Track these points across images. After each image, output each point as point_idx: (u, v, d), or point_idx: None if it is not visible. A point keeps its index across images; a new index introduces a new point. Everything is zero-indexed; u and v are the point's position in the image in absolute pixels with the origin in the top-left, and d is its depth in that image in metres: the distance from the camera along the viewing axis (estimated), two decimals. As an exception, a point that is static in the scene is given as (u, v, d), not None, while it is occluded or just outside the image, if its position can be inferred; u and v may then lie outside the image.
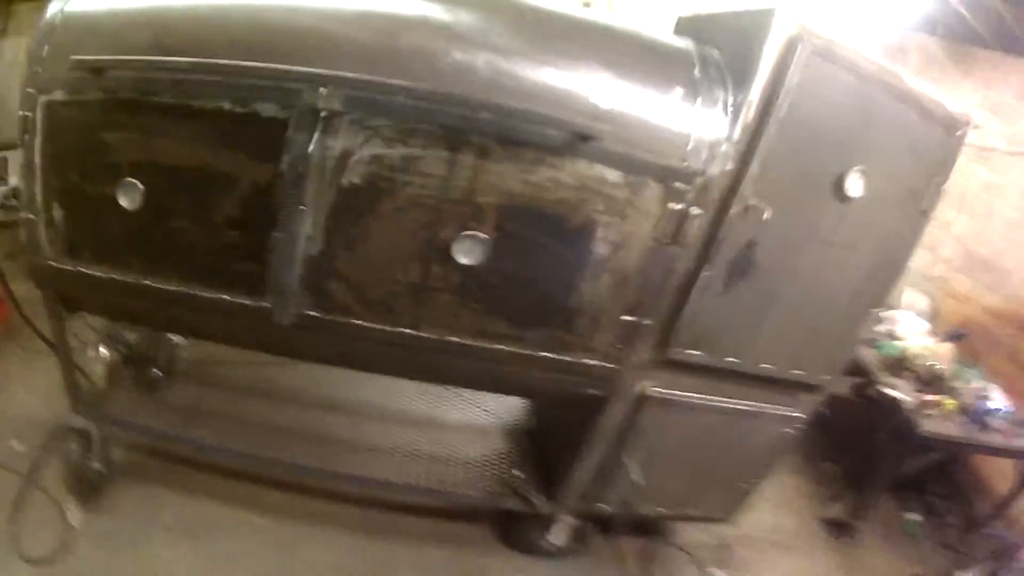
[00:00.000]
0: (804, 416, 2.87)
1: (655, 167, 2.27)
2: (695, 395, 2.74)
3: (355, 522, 3.28)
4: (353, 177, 2.26)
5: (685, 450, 2.91)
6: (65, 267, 2.58)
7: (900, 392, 3.90)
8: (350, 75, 2.19)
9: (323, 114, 2.20)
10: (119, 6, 2.45)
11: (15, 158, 5.27)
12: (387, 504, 3.34)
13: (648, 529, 3.50)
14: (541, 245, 2.32)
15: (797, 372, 2.71)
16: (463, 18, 2.32)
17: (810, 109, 2.28)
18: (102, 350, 3.10)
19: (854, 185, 2.39)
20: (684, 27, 2.92)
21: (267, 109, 2.25)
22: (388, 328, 2.43)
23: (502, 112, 2.18)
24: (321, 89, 2.18)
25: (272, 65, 2.22)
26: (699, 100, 2.35)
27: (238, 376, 3.73)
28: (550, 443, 3.39)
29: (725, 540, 3.64)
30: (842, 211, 2.45)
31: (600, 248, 2.33)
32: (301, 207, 2.27)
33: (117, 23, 2.42)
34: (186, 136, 2.35)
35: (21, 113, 2.47)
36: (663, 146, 2.26)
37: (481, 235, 2.25)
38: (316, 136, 2.21)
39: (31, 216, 2.55)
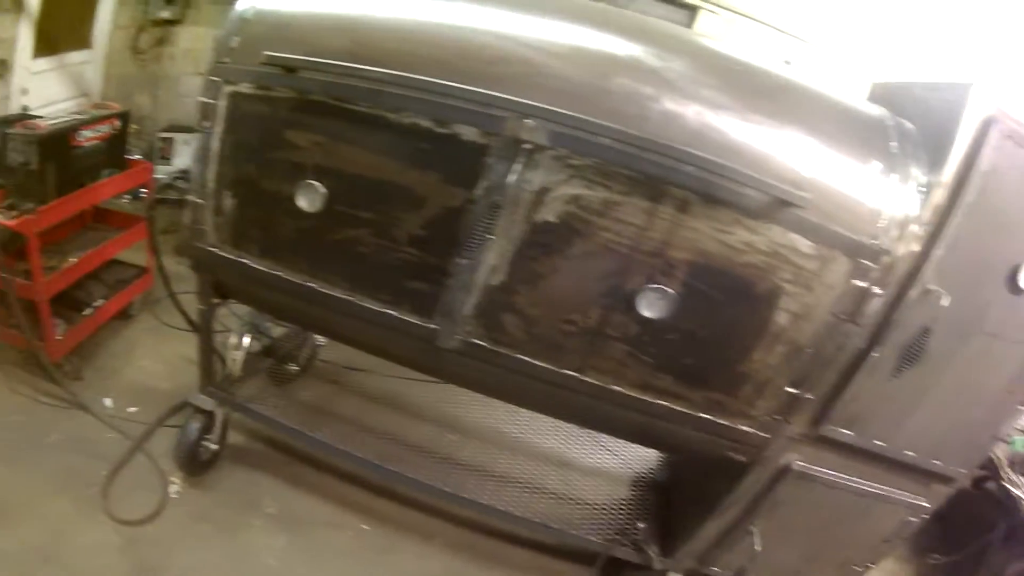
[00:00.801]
0: (931, 507, 2.84)
1: (847, 241, 2.30)
2: (834, 473, 2.73)
3: (457, 542, 3.43)
4: (548, 214, 2.37)
5: (810, 525, 2.99)
6: (228, 256, 2.75)
7: (1024, 491, 3.77)
8: (561, 110, 2.29)
9: (527, 146, 2.30)
10: (314, 9, 2.61)
11: (180, 141, 5.57)
12: (493, 530, 3.48)
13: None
14: (724, 307, 2.38)
15: (936, 462, 2.71)
16: (674, 66, 2.42)
17: (996, 195, 2.31)
18: (245, 339, 3.09)
19: None
20: (878, 95, 2.99)
21: (468, 133, 2.35)
22: (553, 368, 2.56)
23: (708, 167, 2.20)
24: (527, 121, 2.28)
25: (482, 90, 2.32)
26: (894, 176, 2.39)
27: (372, 384, 3.93)
28: (677, 499, 3.53)
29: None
30: (1013, 304, 2.44)
31: (780, 317, 2.38)
32: (489, 236, 2.38)
33: (312, 25, 2.58)
34: (377, 147, 2.47)
35: (201, 99, 2.61)
36: (856, 221, 2.30)
37: (668, 290, 2.33)
38: (517, 167, 2.32)
39: (200, 200, 2.71)
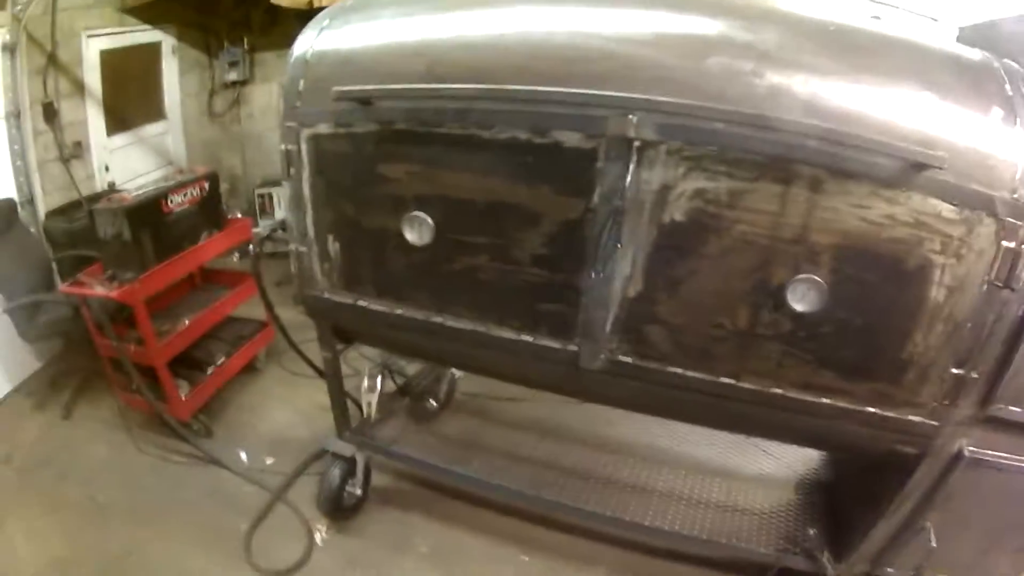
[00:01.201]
0: None
1: (989, 200, 2.22)
2: (1008, 455, 2.74)
3: (622, 564, 3.57)
4: (675, 213, 2.42)
5: (986, 514, 2.93)
6: (342, 300, 2.96)
7: None
8: (664, 99, 2.32)
9: (636, 144, 2.36)
10: (378, 39, 2.76)
11: (279, 194, 6.19)
12: (658, 549, 3.61)
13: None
14: (876, 289, 2.36)
15: None
16: (767, 36, 2.38)
17: None
18: (376, 381, 3.38)
19: None
20: (969, 39, 2.86)
21: (570, 139, 2.43)
22: (707, 378, 2.62)
23: (833, 139, 2.24)
24: (631, 116, 2.33)
25: (575, 90, 2.39)
26: (1018, 121, 2.31)
27: (517, 411, 4.13)
28: (844, 499, 3.51)
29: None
30: None
31: (936, 293, 2.34)
32: (618, 245, 2.46)
33: (378, 54, 2.71)
34: (478, 168, 2.59)
35: (283, 147, 2.81)
36: (994, 176, 2.23)
37: (817, 278, 2.33)
38: (630, 168, 2.38)
39: (302, 248, 2.94)
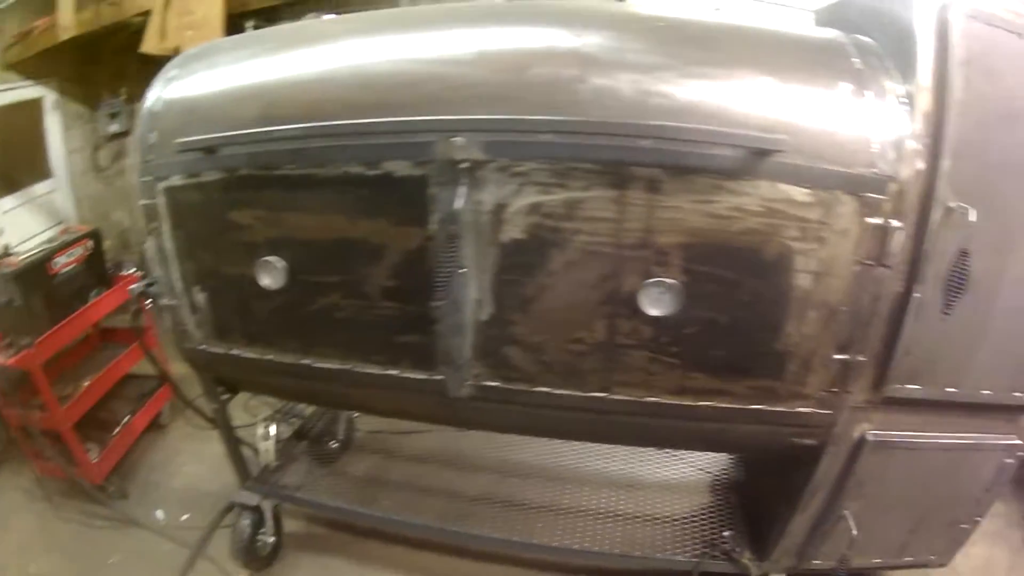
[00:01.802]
0: None
1: (844, 178, 2.18)
2: (913, 433, 2.64)
3: None
4: (513, 231, 2.33)
5: (904, 494, 2.86)
6: (217, 350, 2.89)
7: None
8: (483, 116, 2.25)
9: (464, 165, 2.28)
10: (219, 86, 2.68)
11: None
12: (578, 567, 3.52)
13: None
14: (737, 284, 2.29)
15: (1017, 395, 2.60)
16: (591, 39, 2.32)
17: (984, 83, 2.21)
18: (272, 427, 3.32)
19: None
20: (824, 20, 2.84)
21: (400, 167, 2.36)
22: (577, 394, 2.53)
23: (663, 135, 2.16)
24: (456, 138, 2.26)
25: (395, 118, 2.32)
26: (868, 94, 2.24)
27: (420, 443, 4.06)
28: (760, 496, 3.43)
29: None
30: None
31: (802, 280, 2.27)
32: (461, 270, 2.38)
33: (220, 101, 2.64)
34: (319, 207, 2.52)
35: (142, 202, 2.75)
36: (846, 153, 2.18)
37: (668, 280, 2.26)
38: (462, 190, 2.30)
39: (173, 302, 2.87)
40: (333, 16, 2.99)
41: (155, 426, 4.65)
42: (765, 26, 2.50)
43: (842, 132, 2.22)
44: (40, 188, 6.45)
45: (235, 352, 2.83)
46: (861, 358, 2.43)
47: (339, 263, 2.53)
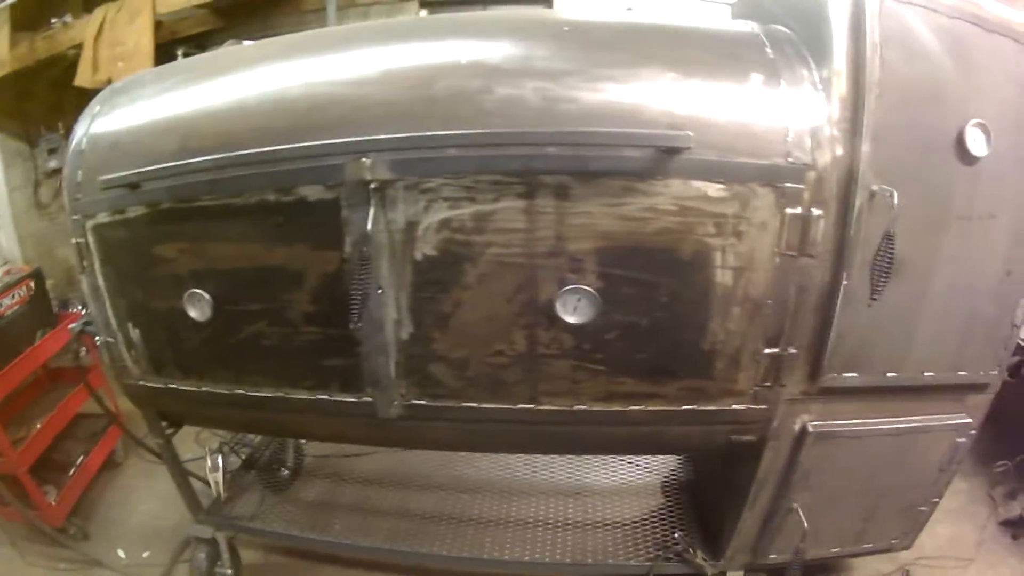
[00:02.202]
0: (975, 420, 2.74)
1: (758, 169, 2.16)
2: (857, 421, 2.63)
3: None
4: (426, 248, 2.32)
5: (855, 482, 2.84)
6: (155, 385, 2.87)
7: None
8: (387, 136, 2.24)
9: (373, 185, 2.26)
10: (140, 120, 2.67)
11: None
12: None
13: (825, 571, 3.51)
14: (655, 286, 2.27)
15: (962, 373, 2.61)
16: (495, 50, 2.33)
17: (902, 64, 2.21)
18: (218, 459, 3.30)
19: (975, 141, 2.27)
20: (740, 13, 2.81)
21: (313, 192, 2.35)
22: (505, 406, 2.50)
23: (568, 141, 2.16)
24: (363, 159, 2.25)
25: (299, 144, 2.31)
26: (782, 83, 2.23)
27: (368, 465, 4.02)
28: (709, 495, 3.42)
29: (903, 563, 3.59)
30: (971, 176, 2.33)
31: (722, 276, 2.26)
32: (378, 290, 2.37)
33: (141, 136, 2.63)
34: (238, 236, 2.51)
35: (74, 240, 2.75)
36: (760, 144, 2.16)
37: (585, 287, 2.24)
38: (372, 211, 2.28)
39: (109, 339, 2.86)
40: (251, 42, 2.98)
41: (110, 464, 4.63)
42: (675, 23, 2.50)
43: (755, 123, 2.20)
44: (-18, 227, 6.34)
45: (172, 385, 2.81)
46: (792, 351, 2.41)
47: (261, 291, 2.51)
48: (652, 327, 2.35)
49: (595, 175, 2.18)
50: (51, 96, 6.50)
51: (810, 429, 2.61)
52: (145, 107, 2.71)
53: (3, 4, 5.77)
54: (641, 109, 2.21)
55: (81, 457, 4.24)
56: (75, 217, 2.72)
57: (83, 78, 5.51)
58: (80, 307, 4.80)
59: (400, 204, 2.28)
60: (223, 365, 2.70)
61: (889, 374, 2.55)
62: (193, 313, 2.58)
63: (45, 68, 6.13)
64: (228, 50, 3.01)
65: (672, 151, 2.13)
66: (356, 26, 2.67)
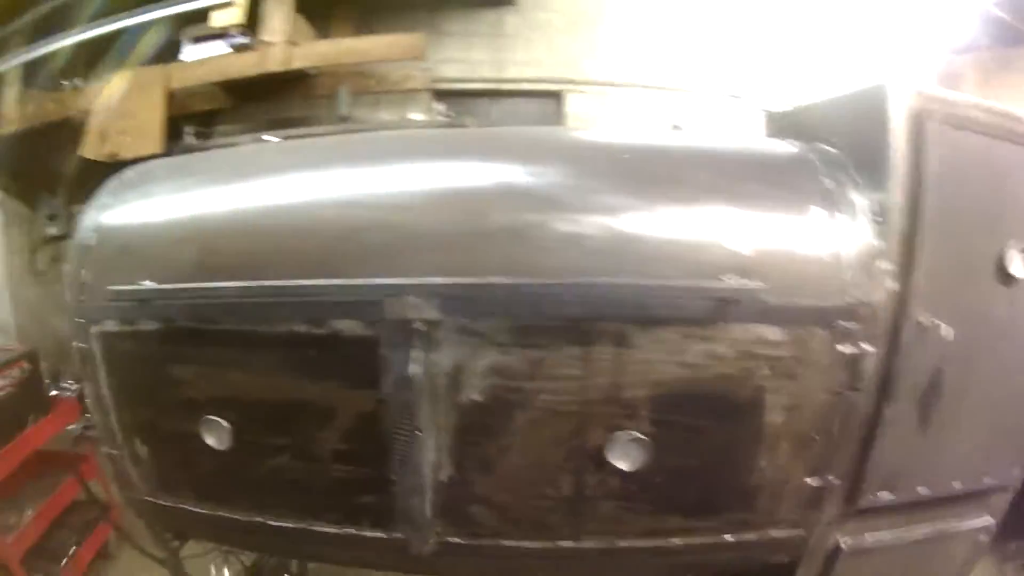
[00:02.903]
0: (997, 519, 2.74)
1: (817, 312, 2.10)
2: (887, 534, 2.62)
3: None
4: (472, 393, 2.16)
5: None
6: (164, 503, 2.66)
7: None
8: (440, 281, 2.09)
9: (417, 325, 2.09)
10: (154, 221, 2.48)
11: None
12: None
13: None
14: (708, 430, 2.19)
15: (987, 480, 2.61)
16: (550, 177, 2.19)
17: (954, 192, 2.19)
18: (224, 570, 3.10)
19: (1016, 264, 2.28)
20: (779, 127, 2.72)
21: (349, 327, 2.18)
22: (546, 545, 2.38)
23: (632, 292, 2.06)
24: (409, 298, 2.08)
25: (336, 280, 2.14)
26: (841, 216, 2.16)
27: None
28: None
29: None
30: (1011, 296, 2.33)
31: (773, 416, 2.18)
32: (417, 433, 2.21)
33: (156, 242, 2.44)
34: (262, 366, 2.33)
35: (75, 344, 2.51)
36: (820, 284, 2.11)
37: (637, 435, 2.13)
38: (415, 353, 2.12)
39: (114, 451, 2.64)
40: (274, 139, 2.77)
41: (104, 556, 4.40)
42: (728, 147, 2.42)
43: (814, 262, 2.13)
44: (-21, 292, 6.03)
45: (182, 505, 2.61)
46: (833, 479, 2.34)
47: (287, 426, 2.33)
48: (700, 469, 2.27)
49: (657, 322, 2.08)
50: (55, 159, 6.12)
51: (843, 547, 2.55)
52: (159, 207, 2.51)
53: (17, 61, 5.39)
54: (706, 248, 2.11)
55: (73, 548, 4.04)
56: (79, 320, 2.49)
57: (90, 149, 5.20)
58: (72, 384, 4.50)
59: (446, 346, 2.12)
60: (243, 493, 2.52)
61: (921, 490, 2.51)
62: (210, 440, 2.38)
63: (52, 130, 5.79)
64: (252, 148, 2.80)
65: (738, 299, 2.04)
66: (394, 135, 2.50)
